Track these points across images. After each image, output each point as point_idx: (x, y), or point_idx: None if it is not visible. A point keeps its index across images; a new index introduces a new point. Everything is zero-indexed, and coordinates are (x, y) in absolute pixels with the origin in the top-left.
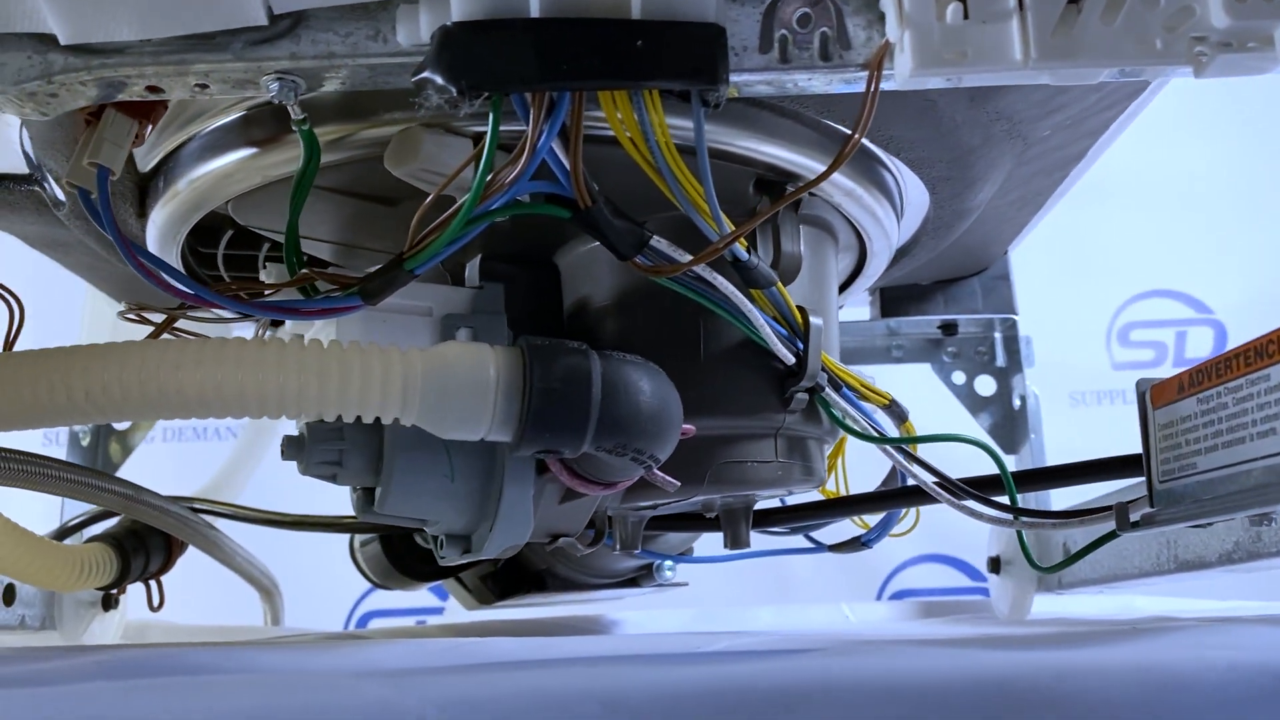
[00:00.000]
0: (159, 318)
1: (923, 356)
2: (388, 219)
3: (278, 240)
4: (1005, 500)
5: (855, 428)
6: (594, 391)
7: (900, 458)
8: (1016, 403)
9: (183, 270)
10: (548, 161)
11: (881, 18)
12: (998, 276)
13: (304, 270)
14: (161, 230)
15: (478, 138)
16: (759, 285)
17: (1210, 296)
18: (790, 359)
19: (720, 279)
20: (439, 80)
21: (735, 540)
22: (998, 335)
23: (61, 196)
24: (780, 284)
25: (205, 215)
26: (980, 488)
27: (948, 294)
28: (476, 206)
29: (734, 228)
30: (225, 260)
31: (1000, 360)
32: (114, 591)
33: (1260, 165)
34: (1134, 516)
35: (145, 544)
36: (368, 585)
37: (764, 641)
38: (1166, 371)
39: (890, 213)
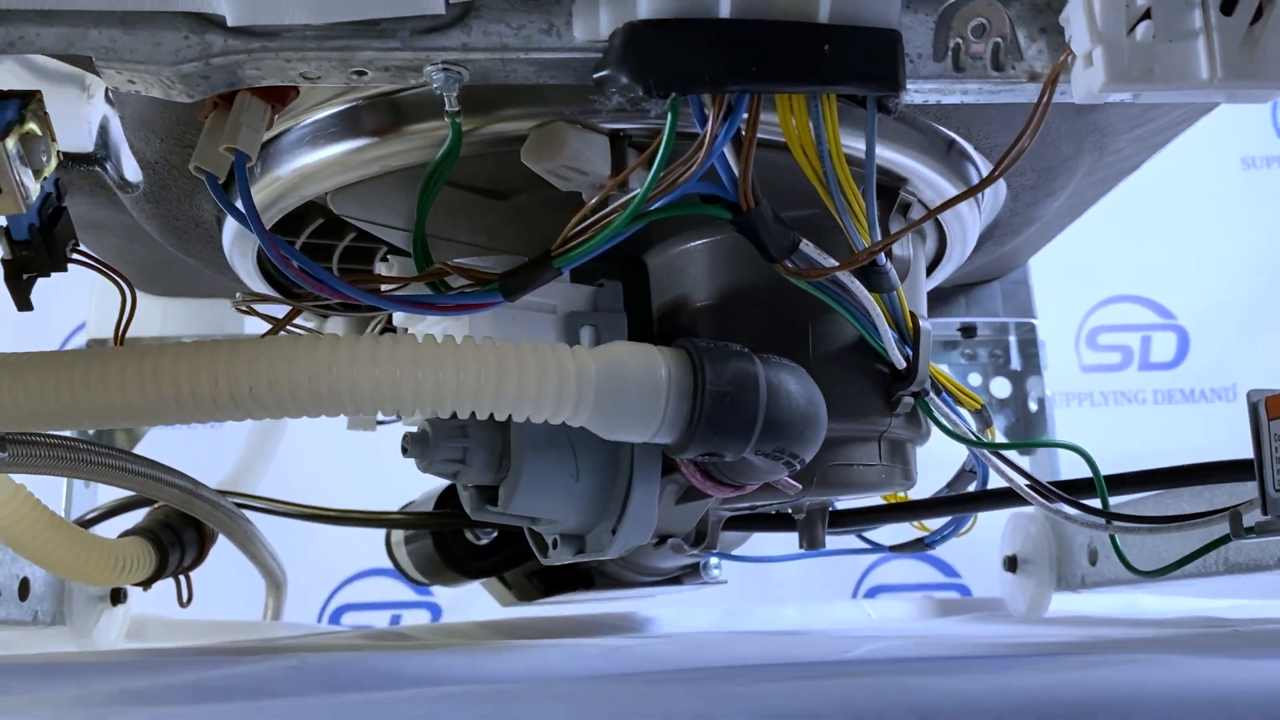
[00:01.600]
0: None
1: (939, 358)
2: (492, 212)
3: (371, 232)
4: (1095, 504)
5: (954, 431)
6: (761, 395)
7: (997, 461)
8: (1033, 406)
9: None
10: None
11: (1046, 30)
12: (1018, 281)
13: (438, 264)
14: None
15: (612, 135)
16: (881, 290)
17: (1174, 302)
18: (901, 363)
19: (857, 284)
20: (624, 79)
21: (812, 541)
22: (1013, 339)
23: (131, 178)
24: (900, 289)
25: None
26: (1072, 491)
27: (970, 297)
28: (644, 205)
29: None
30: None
31: (1016, 363)
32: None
33: (1223, 173)
34: (1248, 523)
35: (180, 538)
36: (340, 580)
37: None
38: (1131, 375)
39: (976, 218)
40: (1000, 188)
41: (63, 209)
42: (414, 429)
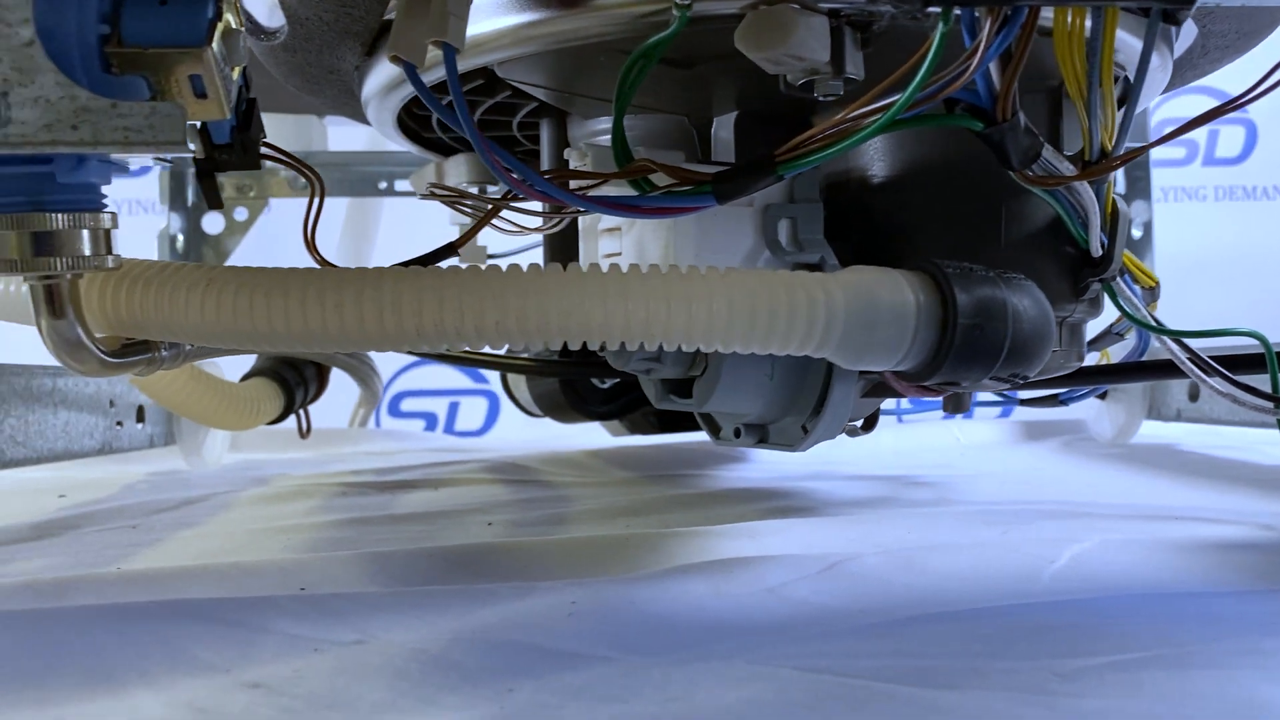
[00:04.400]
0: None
1: None
2: (666, 78)
3: (546, 101)
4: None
5: (1136, 316)
6: (1010, 323)
7: (1171, 344)
8: (1138, 232)
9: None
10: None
11: None
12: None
13: (641, 160)
14: (391, 80)
15: (831, 15)
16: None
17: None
18: (1098, 251)
19: (1085, 185)
20: None
21: (957, 405)
22: None
23: (267, 24)
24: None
25: None
26: (1235, 369)
27: None
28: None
29: None
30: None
31: (1120, 186)
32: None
33: None
34: None
35: (303, 374)
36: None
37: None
38: (1195, 170)
39: (1163, 81)
40: (1193, 41)
41: (253, 101)
42: None
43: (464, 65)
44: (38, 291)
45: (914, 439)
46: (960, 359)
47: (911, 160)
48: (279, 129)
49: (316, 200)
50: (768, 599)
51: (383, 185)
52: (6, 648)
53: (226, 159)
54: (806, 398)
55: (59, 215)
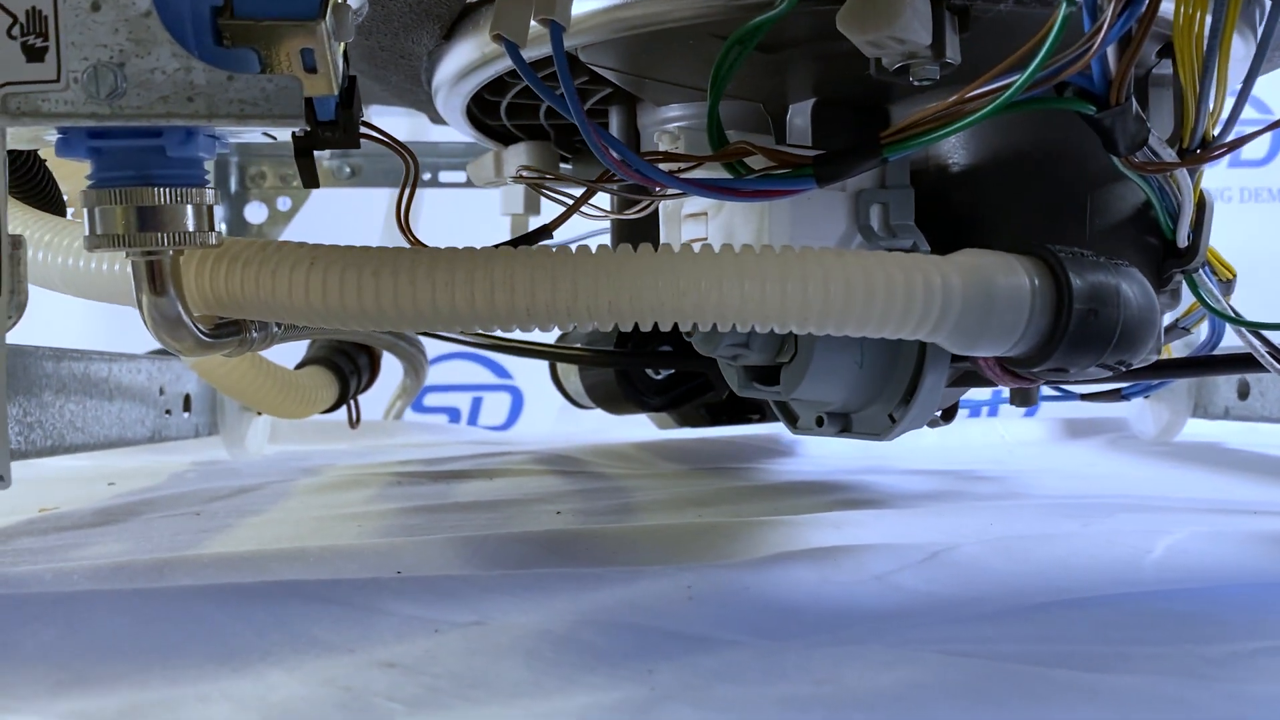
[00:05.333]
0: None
1: None
2: (748, 64)
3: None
4: None
5: (1217, 308)
6: (1121, 310)
7: (1250, 336)
8: None
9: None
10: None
11: None
12: None
13: (738, 143)
14: (470, 63)
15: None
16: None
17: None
18: (1184, 242)
19: (1184, 173)
20: None
21: (1025, 399)
22: None
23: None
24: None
25: None
26: None
27: None
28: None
29: None
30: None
31: None
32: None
33: None
34: None
35: (356, 363)
36: None
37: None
38: (1219, 171)
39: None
40: None
41: (353, 78)
42: None
43: (543, 52)
44: (140, 268)
45: (959, 436)
46: (1073, 345)
47: (993, 150)
48: None
49: (410, 183)
50: (878, 586)
51: (426, 177)
52: (123, 626)
53: (329, 136)
54: (895, 385)
55: (165, 190)
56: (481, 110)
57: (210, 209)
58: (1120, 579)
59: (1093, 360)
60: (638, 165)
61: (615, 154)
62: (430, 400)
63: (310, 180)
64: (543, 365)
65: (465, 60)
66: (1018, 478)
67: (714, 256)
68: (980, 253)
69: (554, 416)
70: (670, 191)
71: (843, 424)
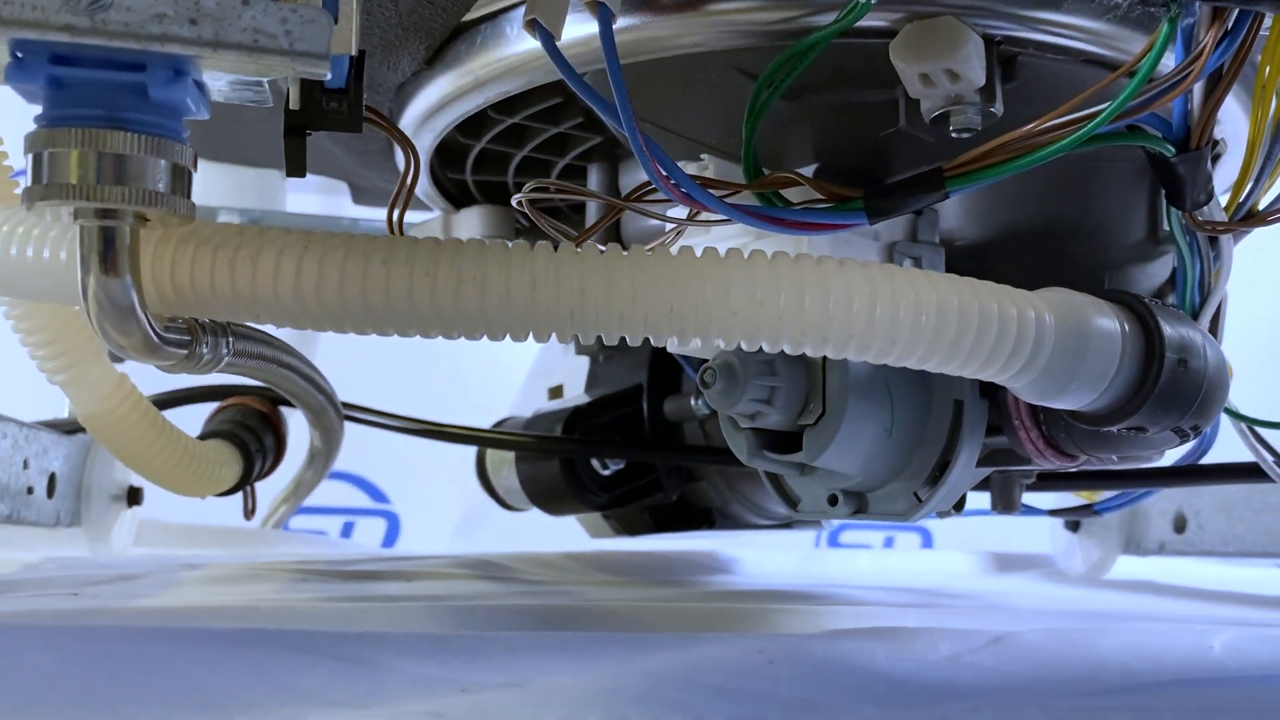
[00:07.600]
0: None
1: None
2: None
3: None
4: None
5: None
6: (1207, 365)
7: (1250, 437)
8: None
9: None
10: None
11: None
12: None
13: (784, 174)
14: (455, 91)
15: (986, 40)
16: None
17: None
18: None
19: (1229, 240)
20: None
21: (1007, 504)
22: None
23: None
24: None
25: None
26: None
27: None
28: (1103, 127)
29: None
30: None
31: None
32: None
33: None
34: None
35: (263, 442)
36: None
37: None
38: None
39: None
40: None
41: (363, 52)
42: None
43: (546, 78)
44: (91, 235)
45: (889, 565)
46: (1161, 398)
47: (1006, 225)
48: (240, 181)
49: (409, 183)
50: (954, 665)
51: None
52: (60, 665)
53: (333, 109)
54: (921, 461)
55: (138, 137)
56: (442, 160)
57: (189, 175)
58: (1193, 667)
59: (1176, 419)
60: (686, 185)
61: (662, 170)
62: (296, 523)
63: (297, 168)
64: (425, 486)
65: (440, 94)
66: (994, 596)
67: (793, 266)
68: (1067, 291)
69: (439, 544)
70: (702, 217)
71: (858, 504)
